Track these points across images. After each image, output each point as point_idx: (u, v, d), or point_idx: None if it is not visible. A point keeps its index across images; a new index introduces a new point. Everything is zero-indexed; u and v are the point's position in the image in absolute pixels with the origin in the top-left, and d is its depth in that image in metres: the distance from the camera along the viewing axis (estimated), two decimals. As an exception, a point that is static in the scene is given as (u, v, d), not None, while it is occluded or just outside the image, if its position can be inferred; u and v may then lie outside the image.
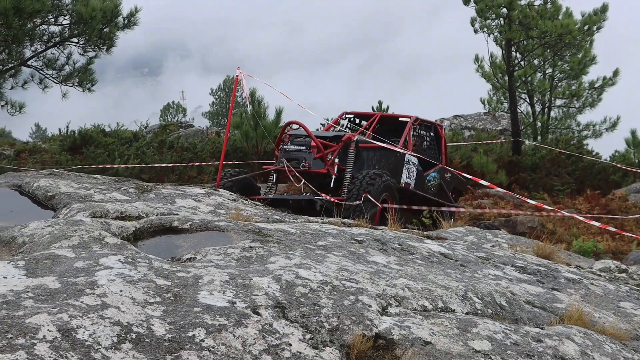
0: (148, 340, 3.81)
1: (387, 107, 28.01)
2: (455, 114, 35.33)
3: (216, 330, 4.01)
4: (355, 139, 13.49)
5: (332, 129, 15.81)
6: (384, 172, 13.12)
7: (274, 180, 13.81)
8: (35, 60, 21.59)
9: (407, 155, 14.27)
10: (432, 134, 15.80)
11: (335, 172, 13.08)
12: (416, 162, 14.53)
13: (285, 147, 13.44)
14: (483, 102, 35.97)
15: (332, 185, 13.00)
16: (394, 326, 4.51)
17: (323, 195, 12.51)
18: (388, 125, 15.55)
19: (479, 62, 29.91)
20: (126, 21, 21.50)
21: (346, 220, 8.40)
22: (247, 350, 3.96)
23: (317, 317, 4.42)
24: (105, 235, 5.66)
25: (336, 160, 13.16)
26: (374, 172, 12.80)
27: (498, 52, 28.44)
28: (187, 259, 5.52)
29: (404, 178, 14.15)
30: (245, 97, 12.56)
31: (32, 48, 21.34)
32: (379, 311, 4.71)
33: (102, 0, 20.78)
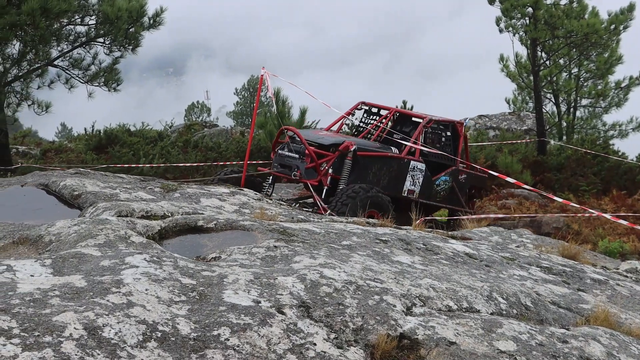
0: (173, 339, 3.82)
1: (412, 107, 27.91)
2: (479, 114, 35.18)
3: (241, 330, 4.01)
4: (352, 149, 12.89)
5: (344, 121, 15.49)
6: (372, 186, 12.56)
7: (270, 181, 13.57)
8: (62, 60, 21.71)
9: (412, 162, 13.94)
10: (448, 133, 15.30)
11: (327, 182, 12.71)
12: (423, 168, 14.13)
13: (280, 151, 13.22)
14: (508, 102, 35.76)
15: (323, 197, 12.56)
16: (419, 326, 4.50)
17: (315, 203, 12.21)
18: (404, 122, 15.21)
19: (504, 62, 29.72)
20: (152, 21, 21.58)
21: (370, 220, 8.39)
22: (272, 350, 3.96)
23: (341, 317, 4.42)
24: (131, 234, 5.68)
25: (330, 170, 12.75)
26: (359, 186, 12.27)
27: (523, 51, 28.24)
28: (212, 258, 5.53)
29: (408, 185, 13.84)
30: (270, 96, 12.40)
31: (59, 48, 21.46)
32: (403, 311, 4.70)
33: (128, 0, 20.87)
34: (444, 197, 14.83)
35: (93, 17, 21.24)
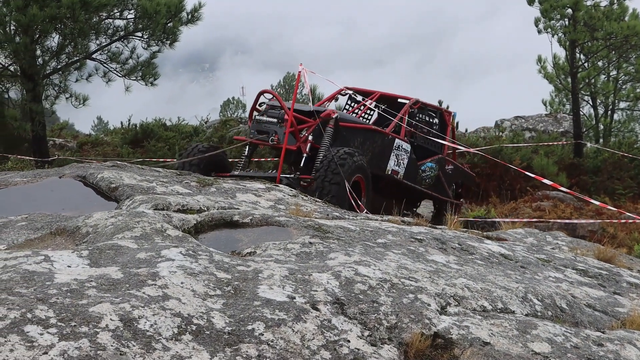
0: (208, 333, 3.84)
1: (447, 106, 27.79)
2: (516, 115, 35.01)
3: (275, 325, 4.02)
4: (335, 116, 12.20)
5: (326, 104, 14.73)
6: (356, 150, 11.84)
7: (247, 153, 12.78)
8: (100, 54, 21.93)
9: (397, 140, 13.25)
10: (436, 120, 14.77)
11: (307, 150, 12.00)
12: (408, 149, 13.47)
13: (258, 117, 12.47)
14: (545, 104, 35.50)
15: (302, 165, 11.92)
16: (453, 326, 4.49)
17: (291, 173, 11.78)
18: (390, 106, 14.35)
19: (542, 63, 29.53)
20: (190, 16, 21.73)
21: (405, 219, 8.37)
22: (306, 345, 3.96)
23: (375, 315, 4.42)
24: (167, 228, 5.72)
25: (310, 137, 12.07)
26: (345, 150, 11.51)
27: (561, 53, 28.11)
28: (247, 253, 5.55)
29: (392, 165, 13.14)
30: (306, 93, 12.25)
31: (97, 41, 21.68)
32: (438, 310, 4.69)
33: (167, -5, 21.02)
34: (429, 185, 14.25)
35: (132, 11, 21.45)
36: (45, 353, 3.30)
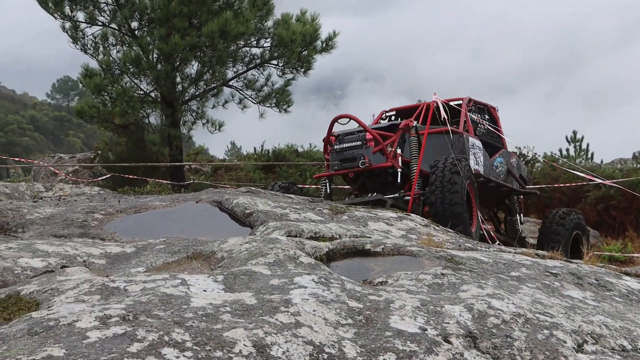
0: (339, 362, 3.84)
1: (582, 137, 27.12)
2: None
3: (407, 356, 3.99)
4: (414, 124, 11.52)
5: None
6: (461, 155, 11.30)
7: (327, 189, 12.16)
8: (236, 81, 22.50)
9: (470, 139, 12.56)
10: (486, 116, 14.11)
11: (400, 164, 11.27)
12: (481, 146, 12.85)
13: (336, 147, 11.74)
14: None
15: (399, 181, 11.23)
16: (590, 364, 4.36)
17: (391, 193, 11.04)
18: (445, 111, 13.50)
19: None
20: (324, 45, 22.02)
21: (539, 252, 8.19)
22: (437, 379, 3.92)
23: (509, 350, 4.33)
24: (299, 255, 5.77)
25: (398, 151, 11.36)
26: (453, 156, 10.82)
27: None
28: (379, 282, 5.54)
29: (472, 165, 12.15)
30: (443, 119, 11.86)
31: (234, 69, 22.27)
32: (574, 348, 4.56)
33: (302, 24, 21.39)
34: (504, 181, 13.59)
35: (268, 39, 21.93)
36: (181, 376, 3.38)
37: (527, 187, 15.21)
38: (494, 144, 13.85)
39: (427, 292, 5.20)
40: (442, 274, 5.65)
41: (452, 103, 13.34)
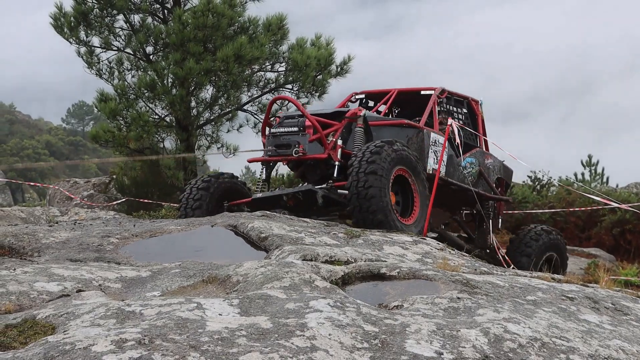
0: (355, 386, 3.83)
1: (597, 162, 27.04)
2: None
3: (423, 381, 3.98)
4: (362, 114, 10.60)
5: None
6: (397, 140, 10.18)
7: (264, 175, 11.26)
8: (251, 105, 22.56)
9: (432, 135, 11.35)
10: (464, 110, 13.09)
11: (338, 157, 10.36)
12: (445, 144, 11.62)
13: (273, 130, 10.89)
14: None
15: (335, 175, 10.29)
16: (607, 389, 4.33)
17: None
18: (410, 104, 12.85)
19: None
20: (339, 69, 22.09)
21: (555, 276, 8.15)
22: (454, 403, 3.90)
23: (526, 374, 4.31)
24: (315, 279, 5.77)
25: (339, 142, 10.44)
26: (382, 141, 9.87)
27: None
28: (395, 306, 5.52)
29: (431, 163, 11.16)
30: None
31: (249, 93, 22.33)
32: (591, 372, 4.54)
33: (317, 49, 21.48)
34: (472, 184, 12.21)
35: (283, 64, 22.03)
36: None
37: (504, 194, 14.15)
38: (466, 142, 12.60)
39: (443, 316, 5.18)
40: (458, 297, 5.64)
41: (422, 92, 12.52)
